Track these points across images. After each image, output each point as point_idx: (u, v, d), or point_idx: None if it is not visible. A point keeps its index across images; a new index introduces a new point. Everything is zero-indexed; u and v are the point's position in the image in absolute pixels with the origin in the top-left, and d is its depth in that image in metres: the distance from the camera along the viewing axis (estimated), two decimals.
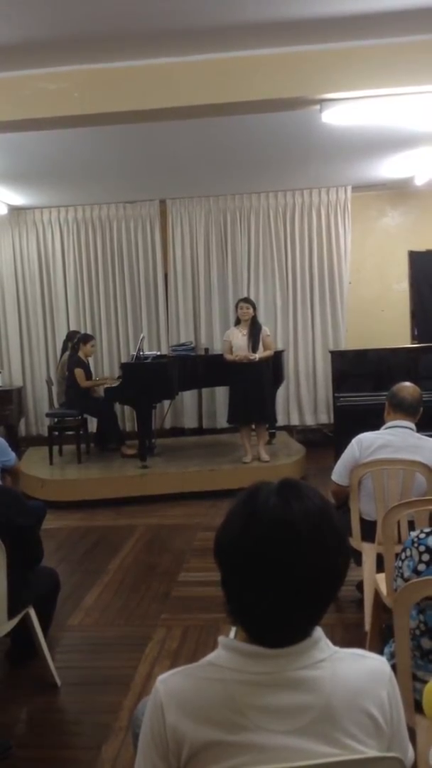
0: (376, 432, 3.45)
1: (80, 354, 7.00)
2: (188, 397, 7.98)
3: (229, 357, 6.37)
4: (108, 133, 4.90)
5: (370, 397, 5.97)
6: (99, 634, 3.65)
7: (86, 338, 7.12)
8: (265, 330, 6.46)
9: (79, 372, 6.84)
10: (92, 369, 7.58)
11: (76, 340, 7.12)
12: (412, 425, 3.42)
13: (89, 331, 7.94)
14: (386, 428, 3.45)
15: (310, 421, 8.12)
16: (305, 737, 1.10)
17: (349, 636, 3.29)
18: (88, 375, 7.07)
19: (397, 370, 6.13)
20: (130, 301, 8.15)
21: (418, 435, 3.39)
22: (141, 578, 4.38)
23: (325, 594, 1.15)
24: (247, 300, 6.57)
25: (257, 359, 6.24)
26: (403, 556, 2.07)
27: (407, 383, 3.52)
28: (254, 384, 6.26)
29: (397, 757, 1.14)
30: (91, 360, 7.66)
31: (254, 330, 6.34)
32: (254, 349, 6.27)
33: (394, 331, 7.81)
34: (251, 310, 6.39)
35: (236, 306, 6.56)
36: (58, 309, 8.22)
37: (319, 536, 1.12)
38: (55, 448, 6.99)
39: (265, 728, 1.09)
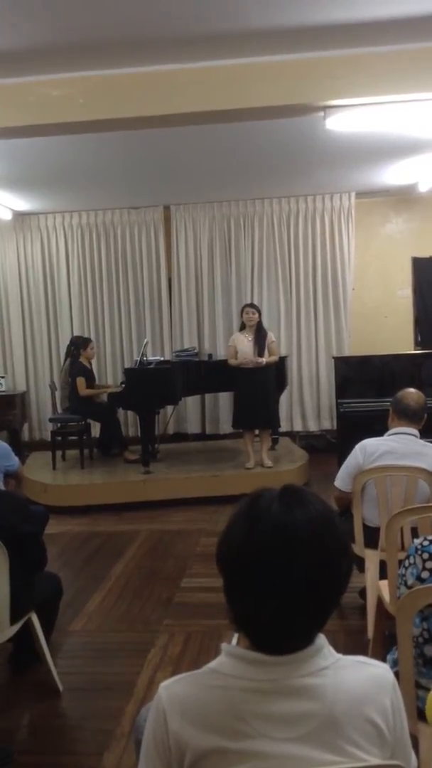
0: (380, 438, 3.45)
1: (82, 359, 7.00)
2: (191, 402, 7.98)
3: (233, 362, 6.37)
4: (112, 139, 4.92)
5: (374, 403, 5.96)
6: (101, 639, 3.64)
7: (85, 342, 7.11)
8: (271, 336, 6.47)
9: (80, 381, 6.84)
10: (96, 373, 7.59)
11: (75, 347, 7.11)
12: (416, 432, 3.41)
13: (92, 336, 7.96)
14: (390, 435, 3.44)
15: (313, 427, 8.11)
16: (308, 745, 1.10)
17: (351, 643, 3.28)
18: (91, 380, 7.07)
19: (401, 376, 6.13)
20: (133, 306, 8.17)
21: (422, 442, 3.38)
22: (143, 584, 4.38)
23: (327, 600, 1.15)
24: (252, 305, 6.57)
25: (264, 363, 6.25)
26: (406, 563, 2.06)
27: (411, 389, 3.51)
28: (260, 389, 6.27)
29: (401, 765, 1.14)
30: (94, 364, 7.66)
31: (260, 336, 6.35)
32: (260, 355, 6.27)
33: (397, 337, 7.81)
34: (257, 316, 6.40)
35: (241, 311, 6.57)
36: (62, 314, 8.24)
37: (322, 542, 1.12)
38: (58, 453, 7.00)
39: (268, 736, 1.09)
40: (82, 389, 6.83)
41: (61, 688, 3.07)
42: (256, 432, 6.57)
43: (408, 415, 3.41)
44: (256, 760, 1.08)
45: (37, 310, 8.26)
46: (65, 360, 7.61)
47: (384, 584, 2.89)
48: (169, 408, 7.65)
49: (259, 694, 1.11)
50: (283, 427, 7.71)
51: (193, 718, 1.11)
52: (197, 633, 3.61)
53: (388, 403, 3.58)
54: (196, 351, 7.40)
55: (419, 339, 8.01)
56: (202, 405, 8.18)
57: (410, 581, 2.01)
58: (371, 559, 3.25)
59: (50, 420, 7.26)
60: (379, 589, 2.97)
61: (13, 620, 2.84)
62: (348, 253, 7.92)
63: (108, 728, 2.78)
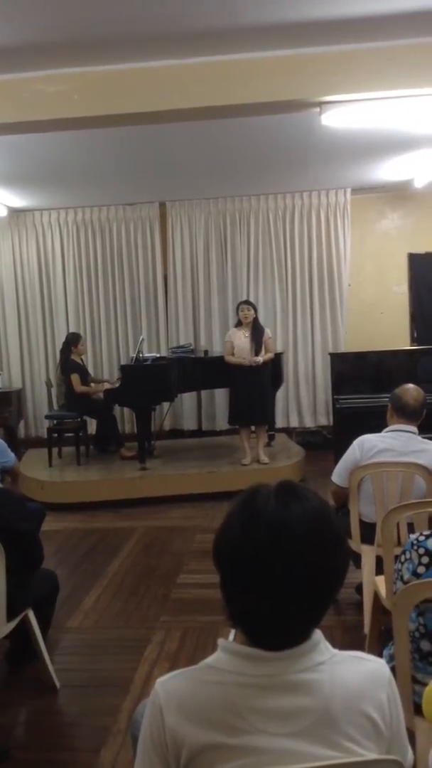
0: (378, 435, 3.44)
1: (74, 357, 6.99)
2: (187, 399, 7.97)
3: (232, 359, 6.36)
4: (107, 135, 4.90)
5: (370, 400, 5.97)
6: (98, 636, 3.65)
7: (75, 339, 7.09)
8: (267, 332, 6.47)
9: (75, 378, 6.82)
10: (91, 370, 7.58)
11: (66, 344, 7.09)
12: (415, 429, 3.40)
13: (88, 333, 7.96)
14: (388, 431, 3.43)
15: (309, 423, 8.12)
16: (305, 740, 1.10)
17: (348, 638, 3.29)
18: (85, 376, 7.06)
19: (397, 372, 6.14)
20: (129, 303, 8.15)
21: (420, 439, 3.37)
22: (140, 580, 4.38)
23: (324, 596, 1.15)
24: (247, 302, 6.57)
25: (261, 362, 6.25)
26: (402, 558, 2.07)
27: (410, 385, 3.48)
28: (256, 385, 6.27)
29: (397, 760, 1.14)
30: (90, 361, 7.64)
31: (256, 332, 6.35)
32: (257, 352, 6.27)
33: (393, 333, 7.81)
34: (252, 312, 6.40)
35: (237, 308, 6.57)
36: (57, 311, 8.21)
37: (318, 538, 1.13)
38: (55, 450, 6.99)
39: (265, 731, 1.09)
40: (78, 386, 6.82)
41: (58, 684, 3.08)
42: (253, 428, 6.58)
43: (406, 414, 3.40)
44: (252, 756, 1.09)
45: (33, 306, 8.23)
46: (61, 356, 7.60)
47: (380, 580, 2.89)
48: (165, 404, 7.65)
49: (256, 690, 1.12)
50: (280, 423, 7.72)
51: (189, 714, 1.11)
52: (194, 629, 3.62)
53: (385, 399, 3.58)
54: (192, 347, 7.40)
55: (415, 335, 8.02)
56: (198, 401, 8.17)
57: (406, 576, 2.02)
58: (368, 554, 3.26)
59: (46, 417, 7.25)
60: (375, 584, 2.98)
61: (10, 617, 2.84)
62: (344, 249, 7.91)
63: (105, 725, 2.78)
